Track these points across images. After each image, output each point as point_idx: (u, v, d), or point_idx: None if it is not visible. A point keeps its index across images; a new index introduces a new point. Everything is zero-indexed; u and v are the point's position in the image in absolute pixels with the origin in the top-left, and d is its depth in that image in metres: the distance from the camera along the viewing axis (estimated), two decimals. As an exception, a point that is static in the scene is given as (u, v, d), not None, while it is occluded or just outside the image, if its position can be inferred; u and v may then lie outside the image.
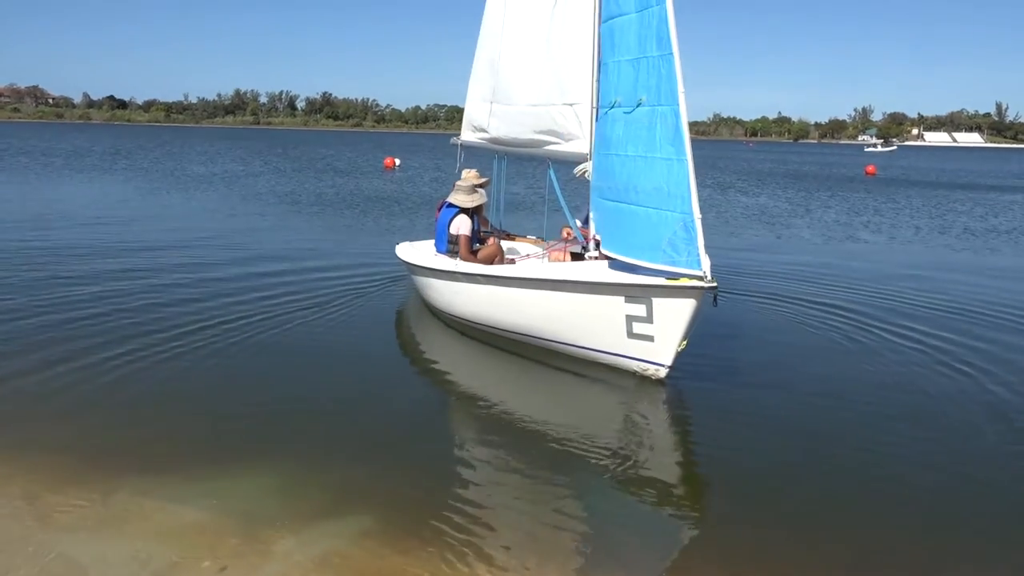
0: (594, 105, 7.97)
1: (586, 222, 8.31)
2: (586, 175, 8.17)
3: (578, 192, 9.16)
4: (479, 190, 9.01)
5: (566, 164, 8.79)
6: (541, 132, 8.84)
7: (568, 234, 9.11)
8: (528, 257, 9.36)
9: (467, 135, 10.61)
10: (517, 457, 5.66)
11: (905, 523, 4.81)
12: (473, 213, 8.94)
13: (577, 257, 8.68)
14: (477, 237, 9.10)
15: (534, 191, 25.52)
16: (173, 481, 4.87)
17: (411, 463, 5.46)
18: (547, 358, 7.91)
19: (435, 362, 8.16)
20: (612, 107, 7.04)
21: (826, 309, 9.94)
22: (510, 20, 9.22)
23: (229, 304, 9.25)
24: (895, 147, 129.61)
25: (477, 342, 8.56)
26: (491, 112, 9.71)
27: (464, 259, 8.67)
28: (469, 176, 9.13)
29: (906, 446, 5.89)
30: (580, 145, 8.37)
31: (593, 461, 5.64)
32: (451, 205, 8.99)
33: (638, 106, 6.70)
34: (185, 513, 4.52)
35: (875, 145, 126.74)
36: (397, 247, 10.30)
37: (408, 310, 9.71)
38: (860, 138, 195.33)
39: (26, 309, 8.70)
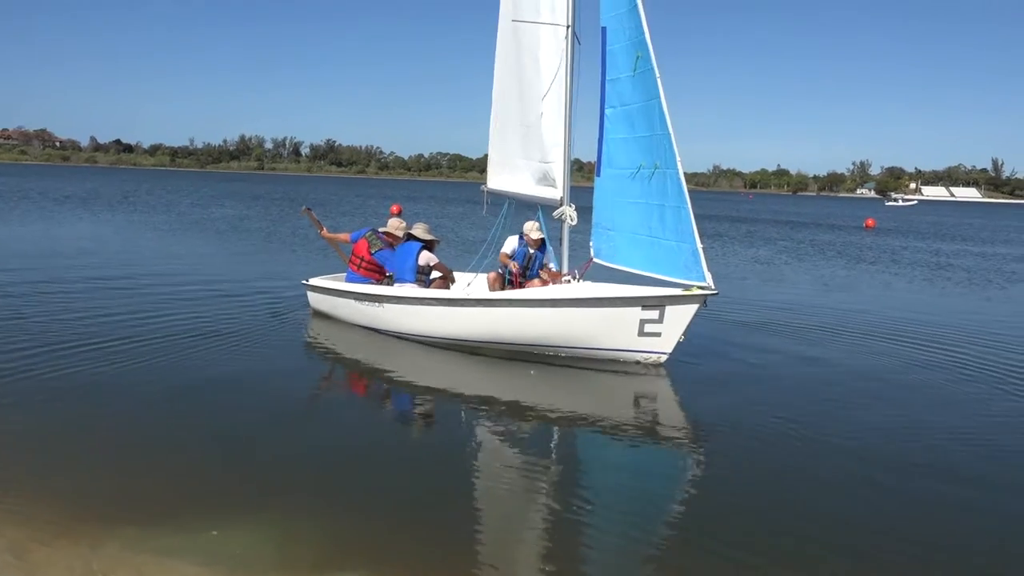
0: (566, 164, 10.15)
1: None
2: (563, 217, 10.01)
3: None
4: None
5: (547, 208, 10.56)
6: (530, 183, 10.59)
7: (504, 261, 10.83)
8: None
9: (491, 184, 11.73)
10: (519, 471, 5.92)
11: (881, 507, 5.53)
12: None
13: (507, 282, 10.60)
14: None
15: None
16: (164, 532, 4.74)
17: (407, 500, 5.38)
18: (524, 358, 9.37)
19: (414, 383, 8.72)
20: (639, 169, 9.13)
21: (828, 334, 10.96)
22: (512, 91, 10.70)
23: (211, 344, 9.35)
24: (915, 202, 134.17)
25: (444, 355, 9.58)
26: (503, 165, 11.22)
27: (447, 276, 10.48)
28: (398, 224, 10.85)
29: (879, 430, 7.29)
30: (555, 194, 10.21)
31: (609, 459, 6.60)
32: (412, 239, 10.48)
33: (655, 169, 8.94)
34: (178, 567, 4.40)
35: (896, 200, 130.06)
36: (314, 280, 11.34)
37: (357, 341, 10.19)
38: (859, 191, 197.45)
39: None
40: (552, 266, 10.58)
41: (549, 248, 10.69)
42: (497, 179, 11.52)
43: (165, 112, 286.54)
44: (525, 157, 10.62)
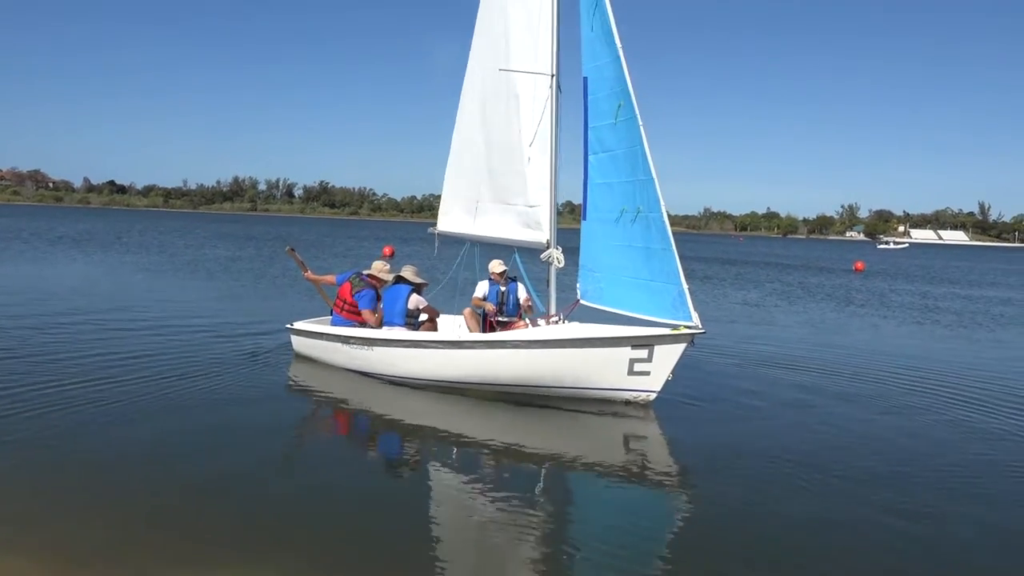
0: (552, 208, 10.31)
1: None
2: (550, 260, 10.20)
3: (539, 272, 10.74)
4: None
5: (529, 251, 10.76)
6: (513, 227, 10.69)
7: (477, 304, 10.87)
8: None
9: (443, 226, 11.85)
10: (510, 514, 5.91)
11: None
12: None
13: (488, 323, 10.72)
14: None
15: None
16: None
17: (395, 544, 5.33)
18: (514, 400, 9.39)
19: (401, 425, 8.68)
20: (622, 213, 9.38)
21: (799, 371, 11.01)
22: (487, 137, 10.89)
23: (195, 385, 9.31)
24: (906, 244, 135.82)
25: (432, 396, 9.59)
26: (473, 209, 11.31)
27: (435, 320, 10.59)
28: (382, 267, 10.97)
29: (869, 469, 7.34)
30: (538, 237, 10.39)
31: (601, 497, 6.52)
32: (401, 282, 10.47)
33: (638, 213, 9.19)
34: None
35: (887, 243, 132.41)
36: (298, 324, 11.27)
37: (340, 384, 10.09)
38: (848, 234, 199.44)
39: None
40: (525, 296, 10.82)
41: (526, 284, 10.94)
42: (452, 222, 11.68)
43: (159, 153, 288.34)
44: (502, 202, 10.83)
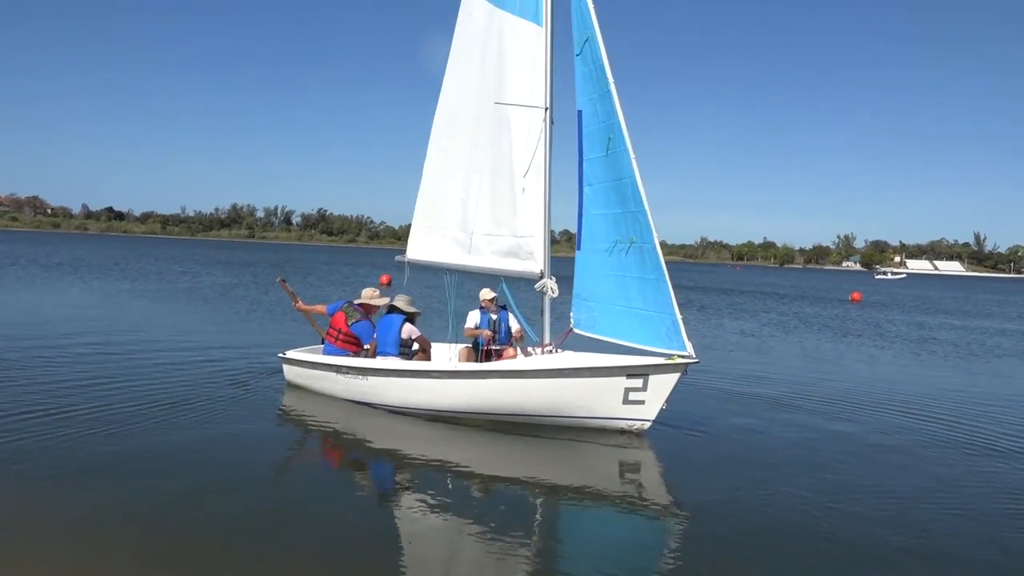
0: (546, 238, 10.35)
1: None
2: (545, 289, 10.18)
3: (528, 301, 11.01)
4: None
5: (519, 281, 10.69)
6: (503, 257, 10.65)
7: (472, 334, 10.81)
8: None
9: (412, 254, 11.57)
10: (501, 543, 5.83)
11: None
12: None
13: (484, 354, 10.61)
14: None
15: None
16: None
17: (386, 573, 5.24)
18: (508, 429, 9.35)
19: (393, 453, 8.58)
20: (615, 244, 9.51)
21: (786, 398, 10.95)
22: (479, 167, 10.73)
23: (186, 413, 9.24)
24: (904, 275, 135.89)
25: (424, 425, 9.55)
26: (456, 239, 11.11)
27: (427, 350, 10.52)
28: (372, 294, 10.98)
29: (864, 499, 7.14)
30: (529, 267, 10.38)
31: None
32: (394, 311, 10.40)
33: (631, 243, 9.31)
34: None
35: (885, 273, 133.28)
36: (290, 353, 11.14)
37: (332, 412, 10.03)
38: (844, 264, 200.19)
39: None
40: (518, 328, 10.85)
41: (515, 313, 10.94)
42: (424, 250, 11.53)
43: (157, 180, 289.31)
44: (490, 233, 10.78)
